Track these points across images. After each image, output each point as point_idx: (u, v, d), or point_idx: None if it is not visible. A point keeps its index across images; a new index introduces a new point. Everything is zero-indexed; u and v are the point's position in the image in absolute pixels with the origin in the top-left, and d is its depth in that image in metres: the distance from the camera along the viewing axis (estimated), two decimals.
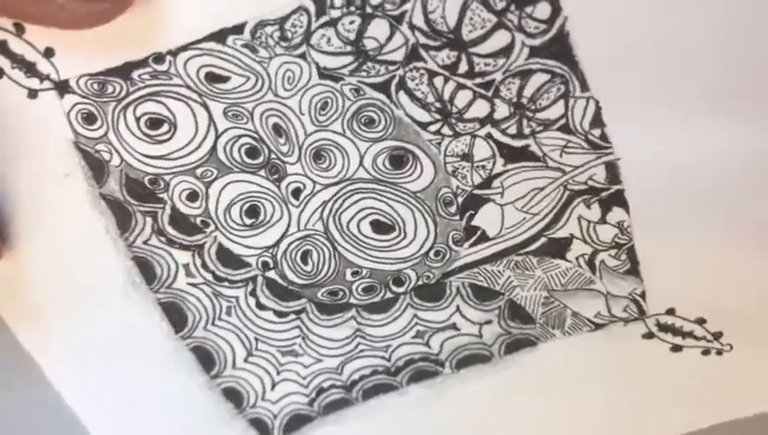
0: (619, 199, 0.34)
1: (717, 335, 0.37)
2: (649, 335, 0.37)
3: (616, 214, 0.34)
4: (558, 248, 0.35)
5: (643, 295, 0.36)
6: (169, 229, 0.36)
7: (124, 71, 0.33)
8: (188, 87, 0.33)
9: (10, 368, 0.40)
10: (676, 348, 0.37)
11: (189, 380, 0.40)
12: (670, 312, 0.37)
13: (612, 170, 0.33)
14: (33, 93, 0.33)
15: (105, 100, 0.33)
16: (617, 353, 0.38)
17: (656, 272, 0.35)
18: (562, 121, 0.32)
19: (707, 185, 0.32)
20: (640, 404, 0.39)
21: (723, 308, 0.36)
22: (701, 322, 0.37)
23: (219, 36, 0.32)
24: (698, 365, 0.38)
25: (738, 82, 0.30)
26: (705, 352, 0.38)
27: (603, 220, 0.34)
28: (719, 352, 0.37)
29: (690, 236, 0.34)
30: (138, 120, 0.34)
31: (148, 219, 0.36)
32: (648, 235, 0.34)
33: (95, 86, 0.33)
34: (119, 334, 0.39)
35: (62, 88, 0.33)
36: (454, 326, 0.38)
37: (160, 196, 0.35)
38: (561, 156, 0.33)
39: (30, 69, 0.33)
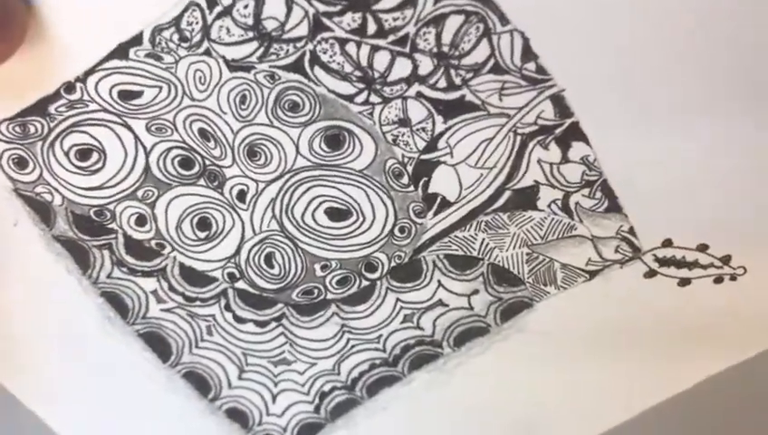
0: (575, 133, 0.31)
1: (726, 259, 0.33)
2: (651, 273, 0.34)
3: (577, 149, 0.31)
4: (526, 199, 0.33)
5: (632, 231, 0.33)
6: (128, 258, 0.35)
7: (40, 107, 0.32)
8: (106, 110, 0.32)
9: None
10: (684, 281, 0.34)
11: (189, 407, 0.39)
12: (667, 243, 0.33)
13: (560, 103, 0.30)
14: None
15: (31, 141, 0.32)
16: (620, 298, 0.35)
17: (639, 203, 0.32)
18: (492, 62, 0.29)
19: (667, 91, 0.29)
20: (656, 348, 0.36)
21: (724, 228, 0.32)
22: (703, 248, 0.33)
23: (120, 52, 0.30)
24: (713, 296, 0.34)
25: None
26: (718, 279, 0.34)
27: (565, 159, 0.31)
28: (733, 278, 0.34)
29: (665, 153, 0.31)
30: (66, 154, 0.33)
31: (105, 252, 0.35)
32: (619, 163, 0.31)
33: (17, 129, 0.32)
34: (107, 373, 0.38)
35: None
36: (441, 302, 0.36)
37: (110, 226, 0.34)
38: (500, 99, 0.30)
39: None
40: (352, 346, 0.37)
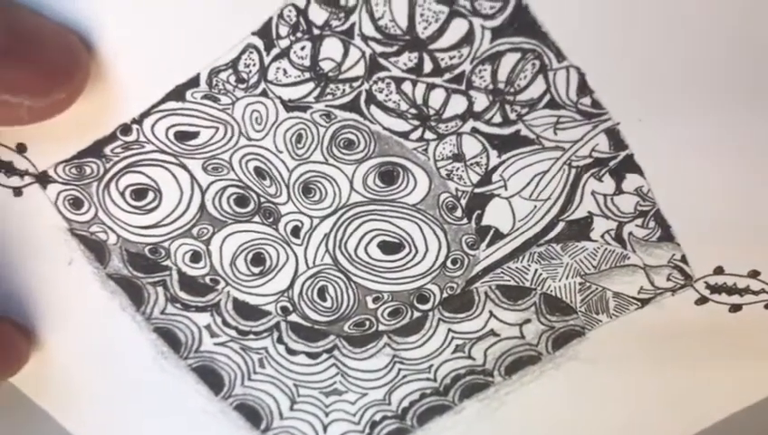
0: (629, 165, 0.31)
1: None
2: (702, 300, 0.34)
3: (631, 181, 0.31)
4: (579, 230, 0.33)
5: (684, 260, 0.33)
6: (182, 294, 0.36)
7: (96, 149, 0.32)
8: (162, 151, 0.32)
9: None
10: (735, 308, 0.34)
11: None
12: (718, 271, 0.33)
13: (614, 136, 0.30)
14: (17, 191, 0.33)
15: (86, 181, 0.33)
16: (672, 326, 0.35)
17: (691, 232, 0.32)
18: (547, 97, 0.30)
19: (721, 123, 0.29)
20: (707, 374, 0.36)
21: None
22: (755, 274, 0.33)
23: (177, 94, 0.31)
24: (764, 321, 0.34)
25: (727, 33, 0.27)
26: None
27: (619, 190, 0.32)
28: None
29: (718, 183, 0.31)
30: (122, 194, 0.33)
31: (159, 289, 0.35)
32: (672, 194, 0.31)
33: (73, 171, 0.33)
34: (160, 407, 0.38)
35: (43, 179, 0.33)
36: (492, 332, 0.36)
37: (164, 263, 0.35)
38: (555, 133, 0.30)
39: (8, 168, 0.33)
40: (403, 376, 0.37)
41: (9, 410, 0.40)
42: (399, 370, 0.37)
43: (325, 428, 0.39)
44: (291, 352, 0.37)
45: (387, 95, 0.30)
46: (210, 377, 0.38)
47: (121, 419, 0.39)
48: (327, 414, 0.39)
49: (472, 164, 0.32)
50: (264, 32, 0.29)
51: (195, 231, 0.34)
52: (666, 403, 0.37)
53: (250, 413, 0.39)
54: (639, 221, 0.32)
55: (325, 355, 0.37)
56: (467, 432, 0.38)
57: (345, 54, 0.29)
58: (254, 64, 0.30)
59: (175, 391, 0.38)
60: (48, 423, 0.39)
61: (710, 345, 0.35)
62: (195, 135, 0.32)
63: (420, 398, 0.38)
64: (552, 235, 0.33)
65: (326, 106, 0.31)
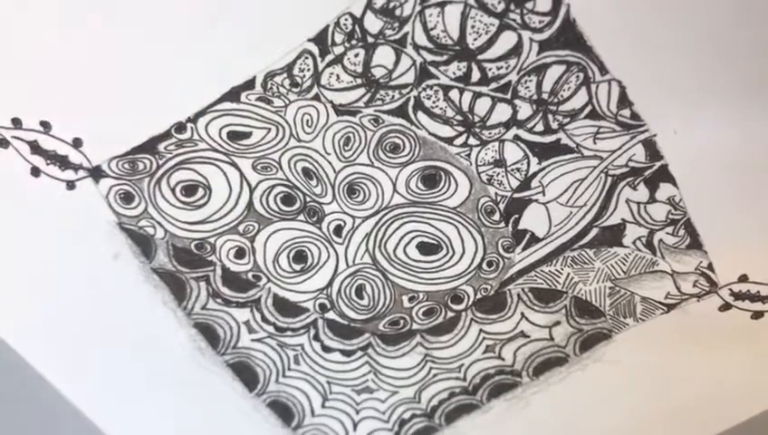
0: (664, 175, 0.32)
1: None
2: (726, 306, 0.36)
3: (664, 190, 0.33)
4: (612, 236, 0.34)
5: (711, 267, 0.35)
6: (224, 290, 0.37)
7: (150, 146, 0.33)
8: (214, 149, 0.33)
9: None
10: (758, 314, 0.36)
11: None
12: (743, 279, 0.35)
13: (651, 147, 0.32)
14: (70, 185, 0.34)
15: (138, 177, 0.34)
16: (696, 330, 0.36)
17: (718, 240, 0.34)
18: (589, 108, 0.31)
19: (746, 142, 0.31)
20: (729, 378, 0.37)
21: None
22: None
23: (232, 95, 0.32)
24: None
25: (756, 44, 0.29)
26: None
27: (653, 199, 0.33)
28: None
29: (747, 195, 0.32)
30: (173, 190, 0.34)
31: (202, 284, 0.37)
32: (703, 204, 0.33)
33: (126, 166, 0.34)
34: (195, 402, 0.39)
35: (97, 174, 0.34)
36: (522, 334, 0.37)
37: (209, 259, 0.36)
38: (594, 143, 0.32)
39: (63, 162, 0.34)
40: (434, 375, 0.39)
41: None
42: (430, 368, 0.38)
43: (355, 425, 0.40)
44: (326, 349, 0.38)
45: (434, 102, 0.32)
46: (246, 373, 0.39)
47: (154, 413, 0.40)
48: (357, 412, 0.40)
49: (512, 170, 0.33)
50: (320, 38, 0.31)
51: (241, 228, 0.35)
52: (687, 405, 0.38)
53: (282, 410, 0.40)
54: (670, 229, 0.34)
55: (359, 353, 0.38)
56: (493, 431, 0.40)
57: (397, 62, 0.31)
58: (309, 69, 0.31)
59: (210, 387, 0.39)
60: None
61: (732, 350, 0.36)
62: (247, 135, 0.33)
63: (449, 396, 0.39)
64: (585, 240, 0.34)
65: (375, 111, 0.32)
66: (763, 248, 0.34)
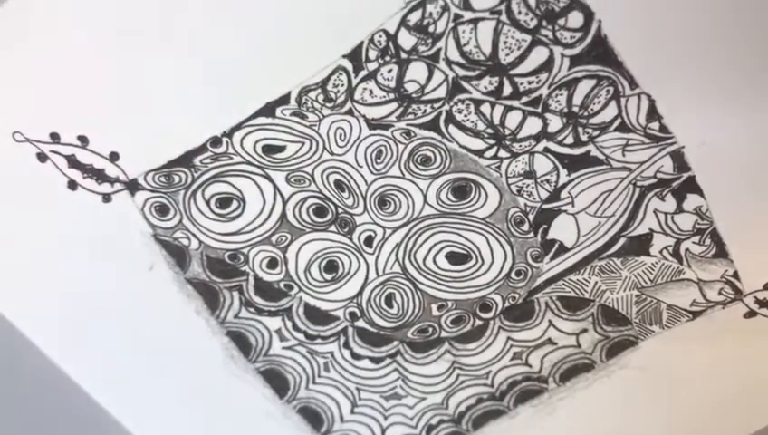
0: (691, 186, 0.33)
1: None
2: (751, 314, 0.36)
3: (691, 201, 0.33)
4: (640, 245, 0.35)
5: (736, 275, 0.35)
6: (256, 299, 0.37)
7: (186, 159, 0.34)
8: (249, 162, 0.34)
9: None
10: None
11: None
12: None
13: (679, 159, 0.32)
14: (107, 198, 0.35)
15: (174, 189, 0.35)
16: (720, 337, 0.37)
17: (744, 249, 0.34)
18: (618, 121, 0.32)
19: None
20: (753, 383, 0.38)
21: None
22: None
23: (267, 110, 0.33)
24: None
25: None
26: None
27: (680, 209, 0.34)
28: None
29: None
30: (208, 202, 0.35)
31: (235, 293, 0.37)
32: (729, 214, 0.33)
33: (162, 179, 0.34)
34: (227, 409, 0.40)
35: (133, 187, 0.35)
36: (550, 341, 0.38)
37: (242, 269, 0.37)
38: (623, 155, 0.33)
39: (100, 175, 0.34)
40: (462, 382, 0.39)
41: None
42: (458, 375, 0.39)
43: (384, 431, 0.41)
44: (355, 356, 0.39)
45: (465, 115, 0.32)
46: (276, 380, 0.39)
47: (186, 420, 0.41)
48: (386, 418, 0.40)
49: (542, 181, 0.34)
50: (355, 55, 0.31)
51: (274, 238, 0.36)
52: (711, 410, 0.39)
53: (312, 416, 0.40)
54: (696, 238, 0.34)
55: (388, 360, 0.39)
56: None
57: (429, 77, 0.32)
58: (343, 85, 0.32)
59: (241, 394, 0.40)
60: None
61: (756, 356, 0.37)
62: (281, 149, 0.34)
63: (477, 402, 0.40)
64: (613, 249, 0.35)
65: (407, 125, 0.33)
66: None
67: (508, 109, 0.32)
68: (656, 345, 0.37)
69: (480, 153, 0.33)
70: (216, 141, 0.34)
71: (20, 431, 0.42)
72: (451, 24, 0.30)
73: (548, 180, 0.34)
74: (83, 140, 0.34)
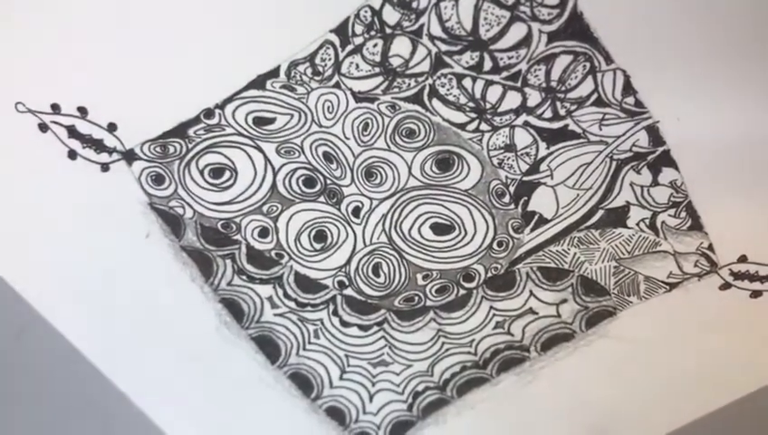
0: (666, 160, 0.34)
1: None
2: (726, 286, 0.37)
3: (667, 174, 0.34)
4: (617, 218, 0.36)
5: (711, 248, 0.36)
6: (248, 267, 0.39)
7: (180, 130, 0.35)
8: (240, 134, 0.35)
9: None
10: (756, 293, 0.37)
11: (292, 406, 0.42)
12: (742, 259, 0.36)
13: (654, 133, 0.33)
14: (105, 167, 0.36)
15: (169, 160, 0.36)
16: (697, 308, 0.38)
17: (719, 222, 0.36)
18: (595, 96, 0.33)
19: (746, 128, 0.33)
20: (728, 354, 0.39)
21: None
22: None
23: (258, 83, 0.34)
24: None
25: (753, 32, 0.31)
26: None
27: (655, 182, 0.35)
28: None
29: (746, 179, 0.34)
30: (201, 172, 0.36)
31: (228, 261, 0.39)
32: (703, 187, 0.35)
33: (158, 149, 0.36)
34: (220, 374, 0.42)
35: (130, 157, 0.36)
36: (531, 311, 0.39)
37: (235, 238, 0.38)
38: (600, 129, 0.34)
39: (98, 145, 0.36)
40: (446, 350, 0.41)
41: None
42: (443, 343, 0.41)
43: (371, 397, 0.42)
44: (344, 323, 0.40)
45: (448, 90, 0.34)
46: (268, 346, 0.41)
47: (180, 385, 0.43)
48: (374, 384, 0.42)
49: (522, 154, 0.35)
50: (341, 30, 0.33)
51: (265, 208, 0.37)
52: (687, 380, 0.40)
53: (302, 382, 0.42)
54: (672, 211, 0.35)
55: (376, 327, 0.40)
56: (502, 403, 0.42)
57: (413, 52, 0.33)
58: (330, 59, 0.33)
59: (234, 359, 0.41)
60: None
61: (731, 327, 0.38)
62: (271, 121, 0.35)
63: (461, 370, 0.41)
64: (591, 221, 0.36)
65: (392, 98, 0.34)
66: (761, 230, 0.36)
67: (489, 83, 0.33)
68: (634, 316, 0.39)
69: (462, 126, 0.34)
70: (209, 113, 0.35)
71: (21, 395, 0.44)
72: (433, 1, 0.31)
73: (528, 153, 0.35)
74: (83, 111, 0.35)
